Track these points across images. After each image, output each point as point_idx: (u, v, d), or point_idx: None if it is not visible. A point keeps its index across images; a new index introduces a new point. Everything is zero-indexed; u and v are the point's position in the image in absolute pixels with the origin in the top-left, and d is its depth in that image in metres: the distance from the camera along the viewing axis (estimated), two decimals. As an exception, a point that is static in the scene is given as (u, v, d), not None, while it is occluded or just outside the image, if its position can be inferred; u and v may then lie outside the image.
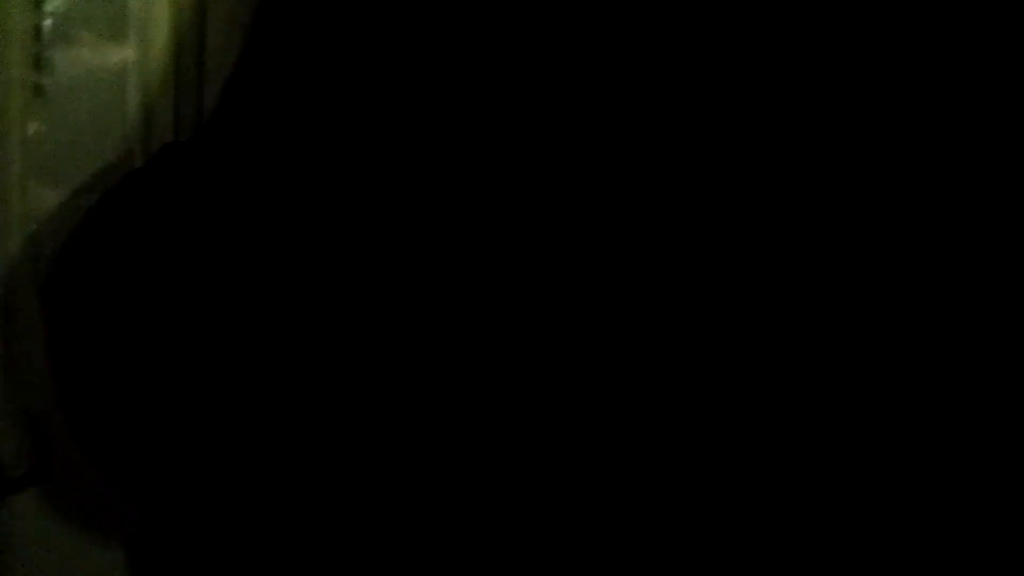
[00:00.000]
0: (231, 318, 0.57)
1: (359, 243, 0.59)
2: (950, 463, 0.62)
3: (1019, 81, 0.62)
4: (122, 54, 1.70)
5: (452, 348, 0.61)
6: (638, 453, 0.62)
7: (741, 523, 0.63)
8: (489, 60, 0.57)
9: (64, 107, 1.66)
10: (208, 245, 0.57)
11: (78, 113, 1.75)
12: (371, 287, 0.59)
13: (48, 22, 1.59)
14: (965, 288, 0.61)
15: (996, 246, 0.62)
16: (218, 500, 0.64)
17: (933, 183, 0.63)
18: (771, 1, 0.61)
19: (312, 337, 0.58)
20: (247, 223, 0.58)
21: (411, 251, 0.59)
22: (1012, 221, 0.65)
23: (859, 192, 0.61)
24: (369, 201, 0.58)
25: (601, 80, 0.59)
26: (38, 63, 1.51)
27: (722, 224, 0.62)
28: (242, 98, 0.67)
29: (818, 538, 0.63)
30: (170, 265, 0.59)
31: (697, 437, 0.62)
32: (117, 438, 0.64)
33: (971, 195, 0.63)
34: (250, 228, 0.58)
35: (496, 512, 0.62)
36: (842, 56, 0.61)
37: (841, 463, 0.62)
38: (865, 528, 0.64)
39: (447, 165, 0.58)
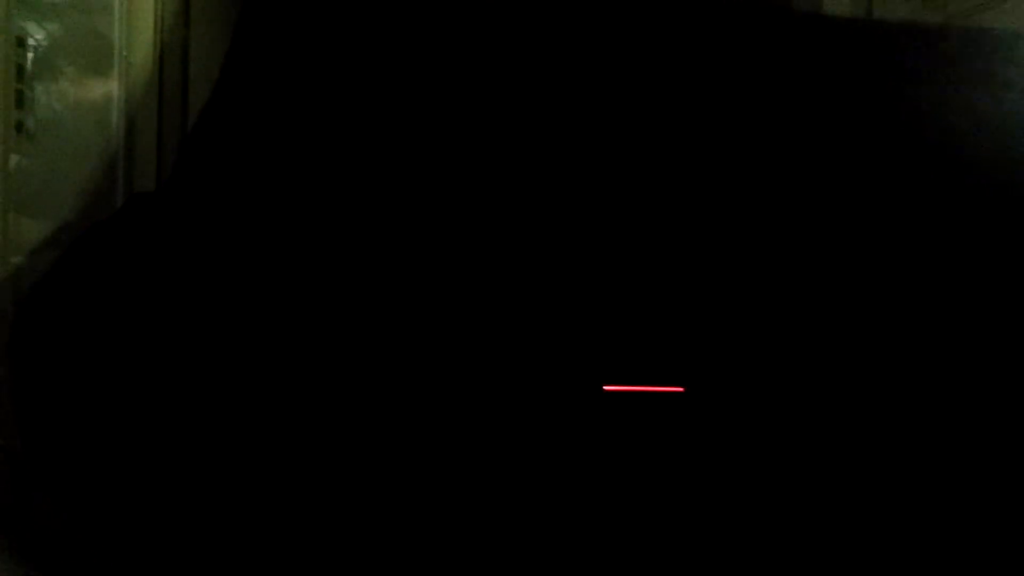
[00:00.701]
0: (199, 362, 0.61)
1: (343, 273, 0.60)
2: (950, 463, 0.67)
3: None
4: (107, 87, 1.70)
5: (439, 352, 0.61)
6: (639, 452, 0.67)
7: (741, 522, 0.66)
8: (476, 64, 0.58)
9: (46, 141, 1.66)
10: (172, 299, 0.62)
11: (62, 147, 1.75)
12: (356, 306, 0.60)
13: (30, 57, 1.58)
14: (965, 289, 0.68)
15: (994, 247, 0.68)
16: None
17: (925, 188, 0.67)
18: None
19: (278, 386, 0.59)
20: (211, 279, 0.59)
21: (402, 263, 0.61)
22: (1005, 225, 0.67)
23: (859, 193, 0.68)
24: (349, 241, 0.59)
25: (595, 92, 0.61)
26: (20, 100, 1.50)
27: (723, 225, 0.68)
28: (216, 139, 0.68)
29: (818, 538, 0.64)
30: (133, 316, 0.61)
31: (699, 437, 0.67)
32: (79, 478, 0.67)
33: (960, 199, 0.69)
34: (216, 283, 0.59)
35: (490, 508, 0.63)
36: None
37: (841, 463, 0.63)
38: (865, 528, 0.68)
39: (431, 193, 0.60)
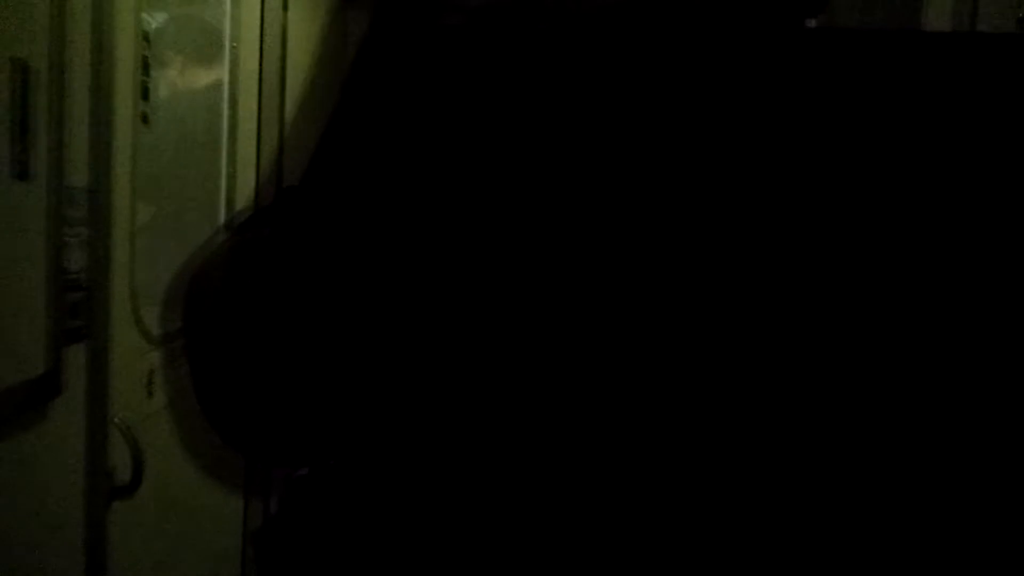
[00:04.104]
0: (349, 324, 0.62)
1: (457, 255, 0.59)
2: (949, 463, 0.57)
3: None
4: (216, 75, 1.88)
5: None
6: (644, 451, 0.59)
7: (742, 521, 0.58)
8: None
9: (162, 128, 1.84)
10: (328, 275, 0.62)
11: (176, 133, 1.90)
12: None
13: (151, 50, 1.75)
14: (964, 291, 0.59)
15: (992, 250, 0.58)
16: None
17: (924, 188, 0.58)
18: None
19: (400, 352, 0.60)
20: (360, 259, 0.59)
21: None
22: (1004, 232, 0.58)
23: (857, 196, 0.60)
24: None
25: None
26: (144, 92, 1.74)
27: (725, 227, 0.61)
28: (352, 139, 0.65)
29: (818, 538, 0.57)
30: (295, 291, 0.64)
31: (702, 437, 0.59)
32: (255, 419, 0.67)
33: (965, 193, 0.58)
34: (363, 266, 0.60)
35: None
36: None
37: (841, 463, 0.57)
38: (865, 528, 0.58)
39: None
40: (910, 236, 0.62)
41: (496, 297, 0.59)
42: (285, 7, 1.95)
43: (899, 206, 0.62)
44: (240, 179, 1.98)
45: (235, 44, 1.86)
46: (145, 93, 1.78)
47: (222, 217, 2.00)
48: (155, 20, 1.73)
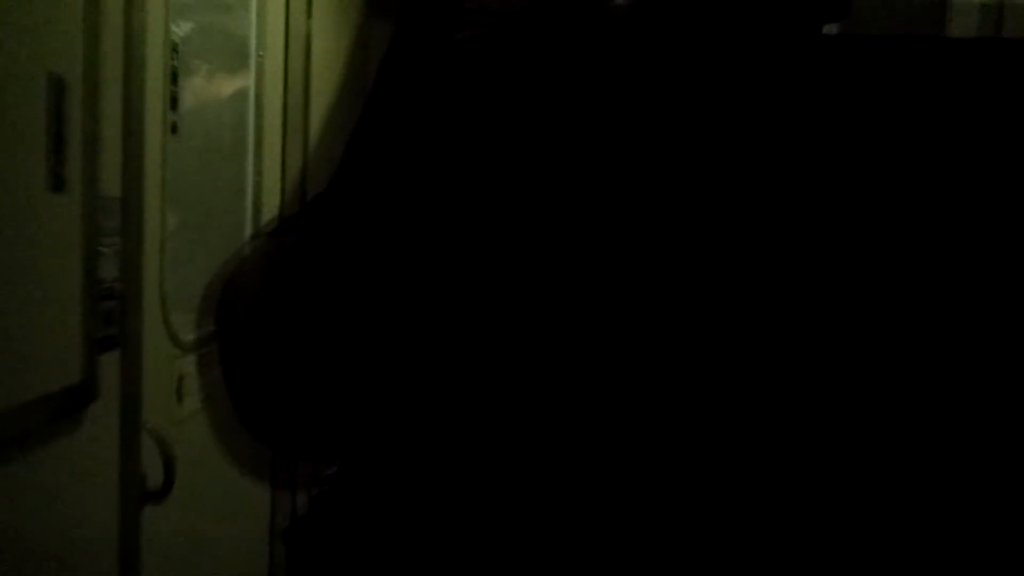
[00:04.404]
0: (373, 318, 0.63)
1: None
2: (948, 463, 0.58)
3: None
4: (243, 82, 1.90)
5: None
6: (648, 451, 0.59)
7: (742, 520, 0.59)
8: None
9: (190, 136, 1.86)
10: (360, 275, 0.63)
11: (204, 140, 1.93)
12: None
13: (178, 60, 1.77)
14: (963, 292, 0.60)
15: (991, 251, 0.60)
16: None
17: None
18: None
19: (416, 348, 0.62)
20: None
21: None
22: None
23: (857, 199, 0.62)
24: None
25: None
26: (174, 102, 1.76)
27: (726, 228, 0.63)
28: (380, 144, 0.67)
29: (818, 537, 0.57)
30: (325, 289, 0.65)
31: (705, 438, 0.60)
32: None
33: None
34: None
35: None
36: None
37: (840, 463, 0.57)
38: (864, 527, 0.64)
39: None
40: (924, 240, 0.63)
41: (521, 299, 0.61)
42: (309, 15, 1.98)
43: (916, 211, 0.62)
44: (265, 186, 2.01)
45: (261, 53, 1.88)
46: (173, 103, 1.81)
47: (248, 224, 2.03)
48: (182, 30, 1.75)
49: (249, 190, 2.00)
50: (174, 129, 1.83)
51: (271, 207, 2.03)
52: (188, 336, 2.01)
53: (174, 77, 1.78)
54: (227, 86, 1.90)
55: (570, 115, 0.61)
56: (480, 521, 0.66)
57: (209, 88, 1.89)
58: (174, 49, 1.75)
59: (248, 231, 2.02)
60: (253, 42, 1.88)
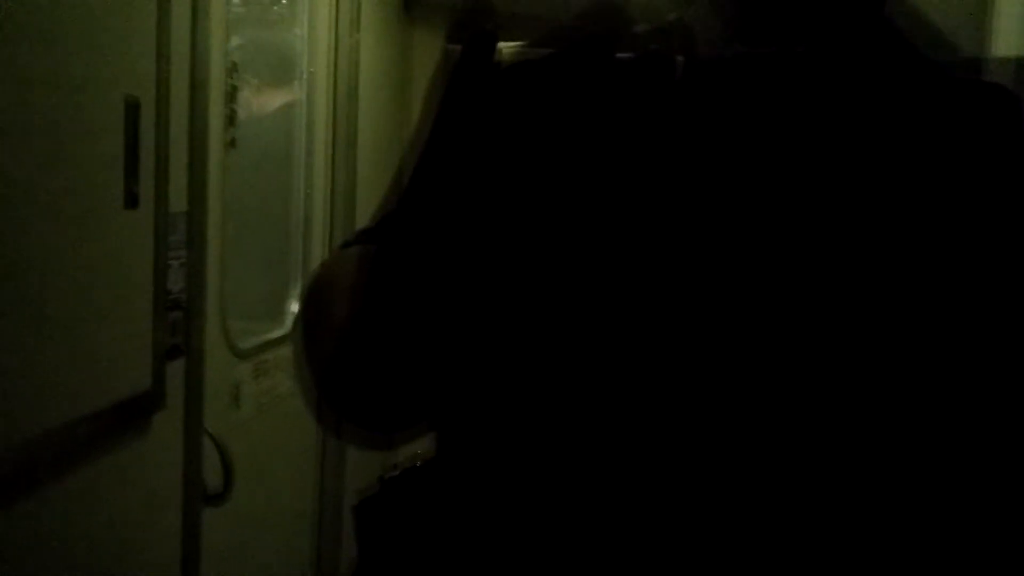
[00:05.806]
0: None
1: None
2: (948, 463, 0.63)
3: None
4: (293, 97, 1.95)
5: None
6: (650, 451, 0.64)
7: (742, 519, 0.64)
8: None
9: (247, 151, 1.92)
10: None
11: (257, 154, 1.98)
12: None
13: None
14: (963, 292, 0.63)
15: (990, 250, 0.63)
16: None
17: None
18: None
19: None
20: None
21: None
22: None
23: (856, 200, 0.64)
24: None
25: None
26: (231, 119, 1.82)
27: (728, 228, 0.66)
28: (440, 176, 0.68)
29: (818, 537, 0.63)
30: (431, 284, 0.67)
31: (706, 438, 0.64)
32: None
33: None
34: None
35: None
36: None
37: (840, 462, 0.63)
38: (864, 527, 0.63)
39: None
40: (914, 239, 0.65)
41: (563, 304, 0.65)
42: (357, 29, 2.03)
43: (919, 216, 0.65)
44: (315, 196, 2.06)
45: (312, 69, 1.94)
46: (232, 119, 1.87)
47: (299, 234, 2.09)
48: (238, 48, 1.82)
49: (300, 201, 2.06)
50: (233, 144, 1.89)
51: (320, 218, 2.08)
52: (244, 344, 2.07)
53: (232, 94, 1.84)
54: (278, 100, 1.96)
55: (595, 132, 0.66)
56: (502, 518, 0.70)
57: (263, 103, 1.95)
58: (233, 68, 1.81)
59: (299, 241, 2.08)
60: (304, 58, 1.94)
